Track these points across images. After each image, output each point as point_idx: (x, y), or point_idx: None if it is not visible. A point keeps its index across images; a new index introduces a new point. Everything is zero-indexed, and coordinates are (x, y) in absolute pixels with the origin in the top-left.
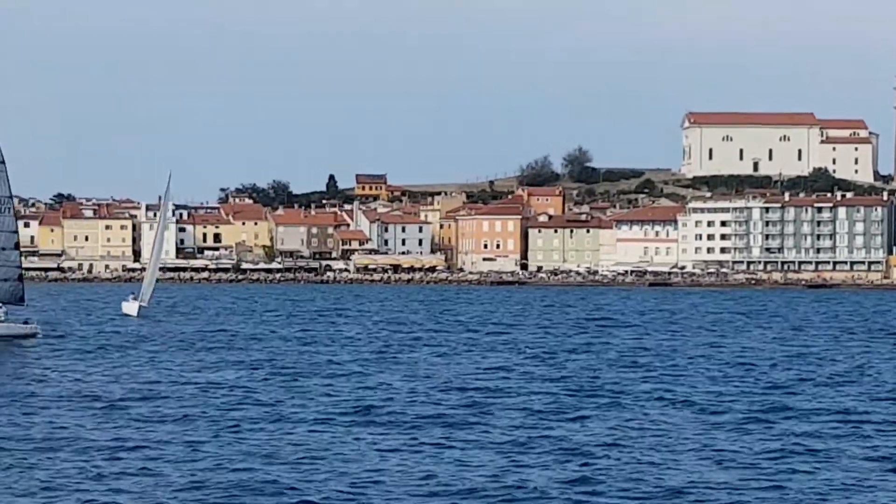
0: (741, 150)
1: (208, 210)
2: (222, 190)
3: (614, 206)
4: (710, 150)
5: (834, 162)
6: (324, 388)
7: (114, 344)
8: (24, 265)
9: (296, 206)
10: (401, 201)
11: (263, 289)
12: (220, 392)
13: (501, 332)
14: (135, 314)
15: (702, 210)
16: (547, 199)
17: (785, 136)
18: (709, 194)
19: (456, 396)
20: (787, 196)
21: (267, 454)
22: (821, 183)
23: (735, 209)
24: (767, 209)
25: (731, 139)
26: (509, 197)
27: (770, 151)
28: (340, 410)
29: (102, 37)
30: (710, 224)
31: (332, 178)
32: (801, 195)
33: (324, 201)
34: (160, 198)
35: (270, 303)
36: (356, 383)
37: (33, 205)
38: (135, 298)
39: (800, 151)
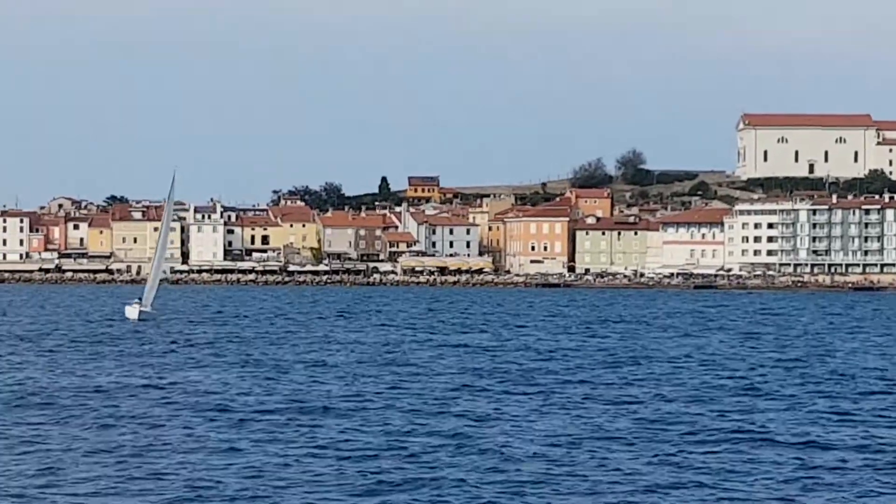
0: (796, 152)
1: (257, 212)
2: (275, 192)
3: (666, 209)
4: (765, 152)
5: (890, 164)
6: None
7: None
8: (73, 267)
9: (346, 208)
10: (452, 203)
11: (301, 291)
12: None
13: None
14: (135, 318)
15: (749, 212)
16: (595, 201)
17: (841, 138)
18: (756, 196)
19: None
20: (834, 198)
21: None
22: (877, 185)
23: (782, 211)
24: (815, 211)
25: (787, 141)
26: (558, 199)
27: (826, 153)
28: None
29: (156, 41)
30: (756, 226)
31: (384, 180)
32: (852, 197)
33: (375, 203)
34: (212, 200)
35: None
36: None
37: (86, 207)
38: (138, 303)
39: (856, 153)
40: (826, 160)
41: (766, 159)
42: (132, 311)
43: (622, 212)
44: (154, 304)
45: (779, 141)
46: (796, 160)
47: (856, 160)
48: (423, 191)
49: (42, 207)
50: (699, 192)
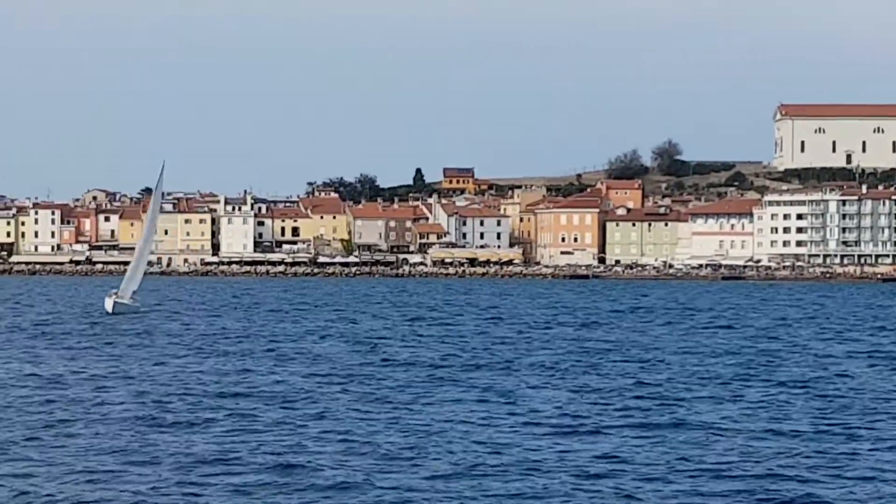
0: (834, 143)
1: (287, 204)
2: (309, 184)
3: (700, 200)
4: (802, 143)
5: None
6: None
7: None
8: (104, 259)
9: (379, 199)
10: (485, 195)
11: (328, 283)
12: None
13: None
14: (110, 310)
15: (778, 203)
16: (626, 192)
17: (879, 128)
18: (785, 187)
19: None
20: (864, 188)
21: None
22: None
23: (811, 202)
24: (844, 202)
25: (824, 131)
26: (589, 190)
27: (864, 143)
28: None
29: (194, 33)
30: (786, 217)
31: (418, 171)
32: (883, 188)
33: (409, 195)
34: (244, 191)
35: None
36: None
37: (120, 199)
38: (115, 293)
39: (894, 143)
40: (864, 150)
41: (803, 150)
42: (109, 303)
43: (656, 203)
44: (135, 296)
45: (816, 131)
46: (833, 150)
47: (894, 150)
48: (457, 182)
49: (77, 200)
50: (735, 183)
